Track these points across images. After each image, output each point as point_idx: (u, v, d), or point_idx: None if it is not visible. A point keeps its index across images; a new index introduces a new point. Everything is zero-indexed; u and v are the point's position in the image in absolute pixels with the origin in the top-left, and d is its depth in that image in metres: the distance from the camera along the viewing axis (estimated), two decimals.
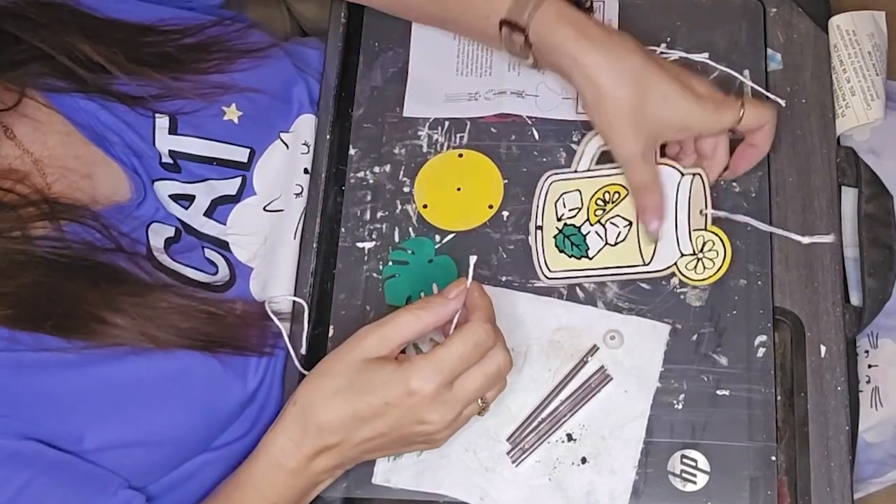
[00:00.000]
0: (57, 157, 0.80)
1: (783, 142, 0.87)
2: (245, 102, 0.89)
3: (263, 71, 0.91)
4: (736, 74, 0.88)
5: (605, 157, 0.86)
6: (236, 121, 0.88)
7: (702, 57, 0.89)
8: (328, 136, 0.92)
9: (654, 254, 0.83)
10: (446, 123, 0.91)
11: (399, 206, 0.89)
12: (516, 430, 0.81)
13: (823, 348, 0.82)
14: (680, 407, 0.80)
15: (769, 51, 0.90)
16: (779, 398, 0.81)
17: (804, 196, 0.86)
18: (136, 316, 0.77)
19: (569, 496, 0.79)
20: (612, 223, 0.84)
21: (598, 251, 0.84)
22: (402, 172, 0.90)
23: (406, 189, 0.89)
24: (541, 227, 0.86)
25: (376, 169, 0.90)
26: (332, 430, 0.75)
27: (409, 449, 0.79)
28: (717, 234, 0.83)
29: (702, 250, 0.82)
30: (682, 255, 0.82)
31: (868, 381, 0.93)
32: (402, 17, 0.94)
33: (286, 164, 0.90)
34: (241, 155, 0.88)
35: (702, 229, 0.83)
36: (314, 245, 0.88)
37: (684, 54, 0.89)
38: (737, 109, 0.80)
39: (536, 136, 0.89)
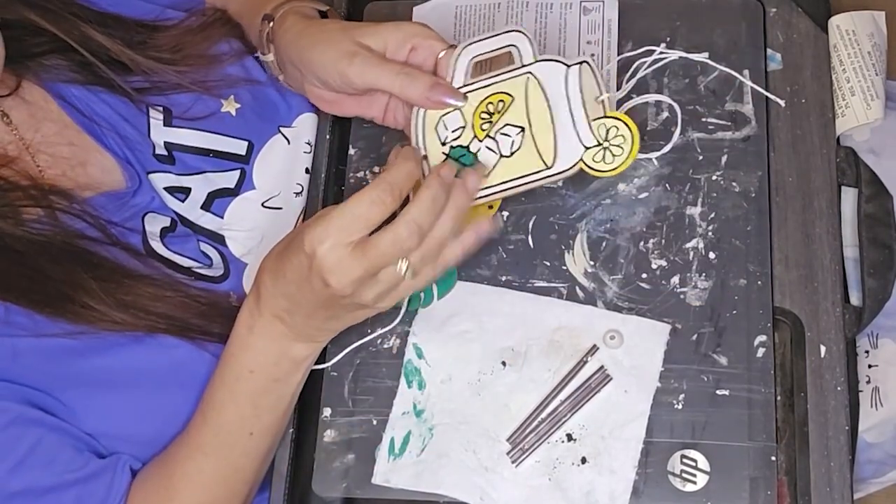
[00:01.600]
0: (50, 144, 0.81)
1: (783, 142, 0.87)
2: (244, 94, 0.89)
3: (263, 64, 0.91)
4: (736, 74, 0.88)
5: (478, 70, 0.81)
6: (233, 113, 0.89)
7: (702, 57, 0.89)
8: (328, 136, 0.92)
9: (555, 155, 0.78)
10: None
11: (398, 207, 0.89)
12: (516, 431, 0.81)
13: (823, 348, 0.82)
14: (680, 407, 0.80)
15: (769, 51, 0.90)
16: (779, 398, 0.81)
17: (804, 196, 0.86)
18: (116, 302, 0.78)
19: (568, 496, 0.79)
20: (502, 134, 0.78)
21: (494, 166, 0.79)
22: None
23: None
24: (426, 157, 0.80)
25: (376, 169, 0.90)
26: (275, 295, 0.75)
27: (354, 314, 0.77)
28: (619, 119, 0.78)
29: (606, 138, 0.78)
30: (586, 148, 0.78)
31: (868, 382, 0.93)
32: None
33: (287, 162, 0.91)
34: (238, 147, 0.88)
35: (602, 117, 0.78)
36: None
37: (684, 54, 0.89)
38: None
39: None
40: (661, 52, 0.90)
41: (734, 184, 0.86)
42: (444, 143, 0.80)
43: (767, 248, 0.84)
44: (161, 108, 0.86)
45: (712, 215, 0.85)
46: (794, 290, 0.83)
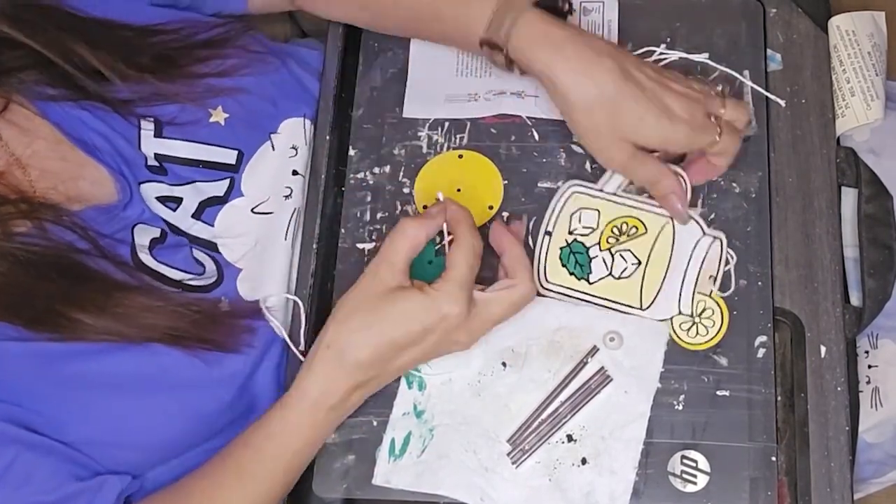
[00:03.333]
0: (42, 159, 0.80)
1: (783, 142, 0.87)
2: (232, 104, 0.88)
3: (255, 73, 0.91)
4: (736, 75, 0.88)
5: (633, 187, 0.85)
6: (222, 123, 0.88)
7: (702, 57, 0.89)
8: (328, 137, 0.92)
9: (652, 302, 0.82)
10: (446, 124, 0.91)
11: (399, 207, 0.89)
12: (516, 431, 0.81)
13: (823, 349, 0.82)
14: (680, 407, 0.80)
15: (769, 51, 0.90)
16: (779, 398, 0.81)
17: (804, 196, 0.86)
18: (102, 313, 0.77)
19: (569, 497, 0.79)
20: (621, 255, 0.83)
21: (600, 279, 0.83)
22: (402, 173, 0.90)
23: (406, 190, 0.89)
24: (550, 234, 0.85)
25: (376, 170, 0.90)
26: (371, 364, 0.78)
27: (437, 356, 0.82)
28: (718, 304, 0.82)
29: (700, 315, 0.82)
30: (680, 312, 0.82)
31: (868, 382, 0.93)
32: (383, 31, 0.94)
33: (275, 167, 0.90)
34: (228, 157, 0.88)
35: (706, 294, 0.82)
36: (314, 246, 0.88)
37: (684, 54, 0.89)
38: (713, 134, 0.80)
39: (536, 137, 0.89)
40: (662, 53, 0.90)
41: (734, 184, 0.86)
42: (570, 233, 0.84)
43: (767, 249, 0.84)
44: (151, 120, 0.85)
45: (712, 216, 0.85)
46: (795, 290, 0.83)
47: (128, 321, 0.78)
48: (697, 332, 0.81)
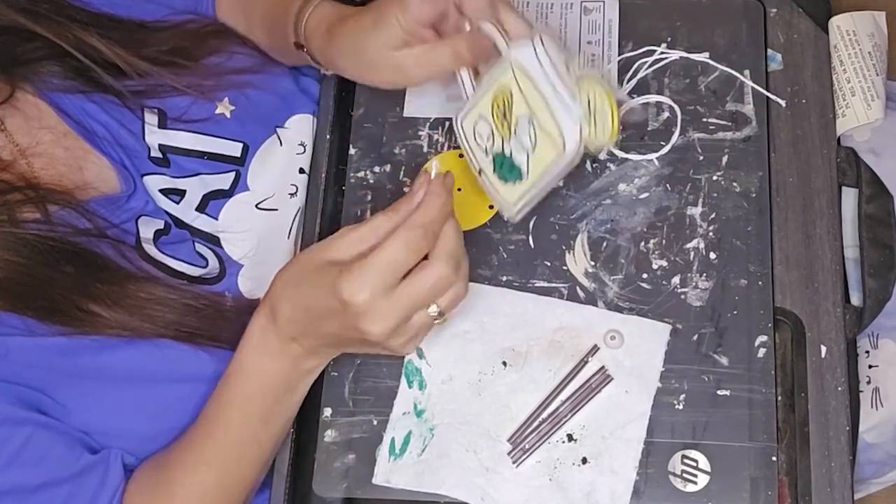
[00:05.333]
0: (45, 149, 0.81)
1: (783, 142, 0.87)
2: (238, 97, 0.89)
3: (263, 67, 0.91)
4: (736, 74, 0.88)
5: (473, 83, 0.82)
6: (228, 115, 0.88)
7: (702, 57, 0.89)
8: (328, 136, 0.92)
9: (561, 133, 0.76)
10: (447, 123, 0.91)
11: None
12: (517, 431, 0.81)
13: (824, 348, 0.82)
14: (681, 407, 0.80)
15: (769, 51, 0.90)
16: (779, 398, 0.81)
17: (805, 196, 0.86)
18: (116, 305, 0.78)
19: (569, 496, 0.79)
20: (519, 129, 0.78)
21: (528, 165, 0.79)
22: (402, 172, 0.90)
23: (406, 189, 0.89)
24: (480, 171, 0.82)
25: (376, 169, 0.90)
26: (292, 321, 0.75)
27: (374, 351, 0.77)
28: (591, 85, 0.77)
29: (590, 107, 0.77)
30: (580, 121, 0.76)
31: (868, 382, 0.93)
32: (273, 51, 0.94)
33: (281, 163, 0.90)
34: (233, 149, 0.88)
35: (579, 76, 0.77)
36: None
37: (685, 54, 0.90)
38: None
39: None
40: (662, 53, 0.90)
41: (735, 184, 0.86)
42: (486, 154, 0.81)
43: (768, 249, 0.84)
44: (156, 111, 0.86)
45: (713, 215, 0.85)
46: (795, 290, 0.83)
47: (141, 315, 0.78)
48: (601, 121, 0.78)
